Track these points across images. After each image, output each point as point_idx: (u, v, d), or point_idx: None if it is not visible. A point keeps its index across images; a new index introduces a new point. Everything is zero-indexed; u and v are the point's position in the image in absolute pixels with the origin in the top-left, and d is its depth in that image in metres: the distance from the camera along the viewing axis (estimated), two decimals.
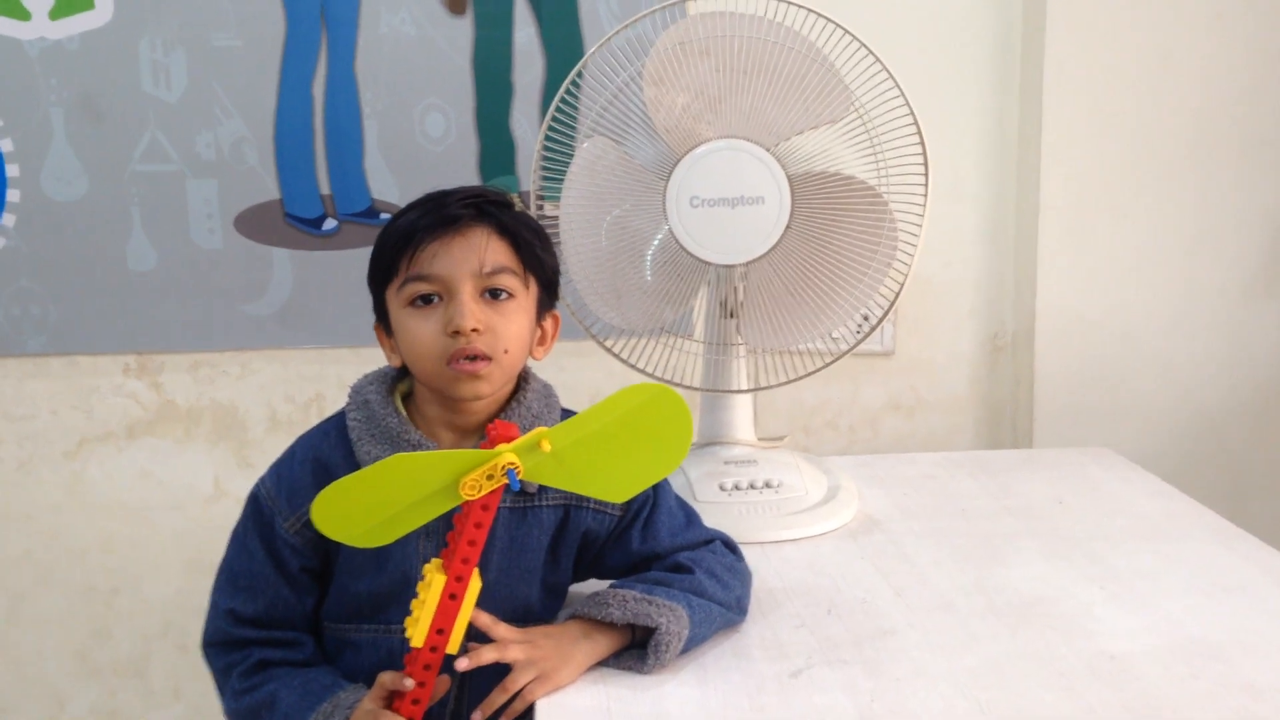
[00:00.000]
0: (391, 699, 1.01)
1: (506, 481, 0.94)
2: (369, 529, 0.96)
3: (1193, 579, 1.20)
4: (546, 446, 0.95)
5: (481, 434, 1.10)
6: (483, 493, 0.95)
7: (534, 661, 1.03)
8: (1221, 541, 1.30)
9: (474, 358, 1.05)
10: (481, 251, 1.06)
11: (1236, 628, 1.10)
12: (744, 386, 1.43)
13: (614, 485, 1.01)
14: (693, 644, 1.08)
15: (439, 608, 0.97)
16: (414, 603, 0.98)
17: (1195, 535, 1.32)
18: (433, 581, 0.97)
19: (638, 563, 1.14)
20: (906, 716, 0.96)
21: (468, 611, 0.98)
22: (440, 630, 0.98)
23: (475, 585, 0.98)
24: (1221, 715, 0.95)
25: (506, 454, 0.94)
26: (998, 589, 1.19)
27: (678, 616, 1.05)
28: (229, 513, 1.14)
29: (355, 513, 0.95)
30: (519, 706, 1.02)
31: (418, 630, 0.97)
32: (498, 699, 1.02)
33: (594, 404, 0.98)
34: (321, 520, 0.95)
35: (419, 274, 1.06)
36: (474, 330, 1.04)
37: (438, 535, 1.08)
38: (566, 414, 1.16)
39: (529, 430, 1.09)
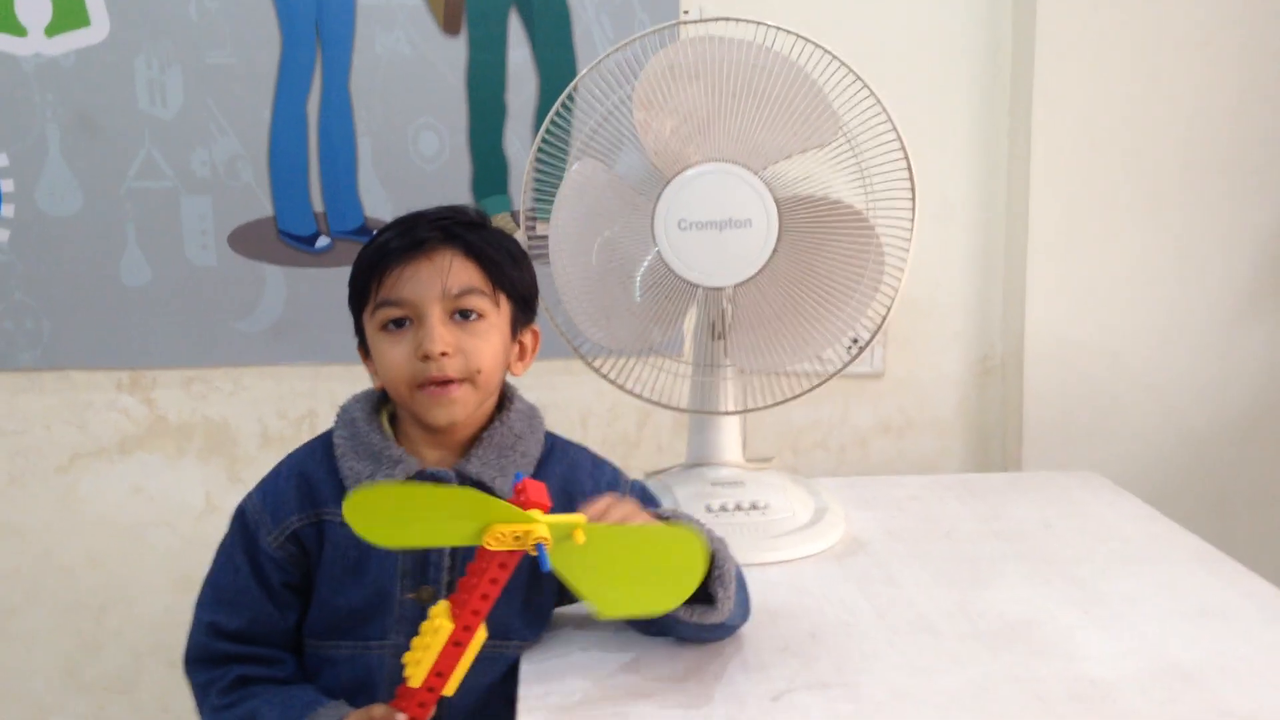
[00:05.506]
0: None
1: (533, 552, 0.92)
2: (389, 532, 0.95)
3: (1174, 603, 1.21)
4: (581, 539, 0.94)
5: (463, 452, 1.11)
6: (505, 549, 0.93)
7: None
8: (1204, 565, 1.30)
9: (445, 382, 1.06)
10: (445, 275, 1.07)
11: (1216, 652, 1.10)
12: (731, 408, 1.43)
13: (611, 601, 1.00)
14: (738, 593, 1.09)
15: (442, 653, 0.96)
16: (415, 641, 0.98)
17: (1178, 559, 1.32)
18: (439, 628, 0.96)
19: None
20: None
21: (470, 657, 0.97)
22: (440, 673, 0.97)
23: (481, 635, 0.97)
24: None
25: (541, 526, 0.92)
26: (981, 612, 1.20)
27: (724, 545, 1.07)
28: (220, 529, 1.14)
29: (382, 516, 0.94)
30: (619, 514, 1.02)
31: (417, 671, 0.96)
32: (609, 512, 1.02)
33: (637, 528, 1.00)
34: (351, 513, 0.94)
35: (388, 299, 1.07)
36: (443, 354, 1.05)
37: (417, 552, 1.09)
38: (550, 438, 1.17)
39: (514, 452, 1.10)
